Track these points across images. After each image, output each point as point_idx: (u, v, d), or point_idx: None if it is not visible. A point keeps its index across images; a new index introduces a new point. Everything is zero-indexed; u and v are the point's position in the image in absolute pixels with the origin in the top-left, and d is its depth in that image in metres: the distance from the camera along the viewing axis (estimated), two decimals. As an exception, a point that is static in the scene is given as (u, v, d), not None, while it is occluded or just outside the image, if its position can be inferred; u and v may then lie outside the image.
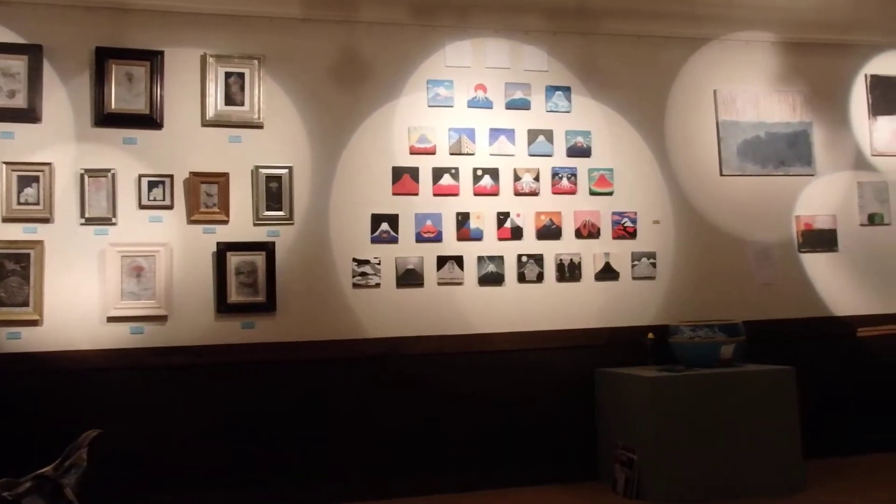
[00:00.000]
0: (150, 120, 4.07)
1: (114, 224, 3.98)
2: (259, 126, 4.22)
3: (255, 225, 4.17)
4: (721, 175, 4.77)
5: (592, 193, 4.59)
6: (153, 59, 4.09)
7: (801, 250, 4.82)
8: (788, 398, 4.05)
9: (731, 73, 4.85)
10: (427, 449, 4.24)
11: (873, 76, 5.01)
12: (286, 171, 4.22)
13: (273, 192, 4.21)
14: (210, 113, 4.15)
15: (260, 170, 4.19)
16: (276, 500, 4.02)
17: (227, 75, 4.19)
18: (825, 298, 4.84)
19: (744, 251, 4.75)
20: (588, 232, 4.56)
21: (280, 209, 4.21)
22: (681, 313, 4.58)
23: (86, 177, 3.97)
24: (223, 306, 4.07)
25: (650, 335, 4.39)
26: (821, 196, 4.89)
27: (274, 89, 4.25)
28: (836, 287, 4.86)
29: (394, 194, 4.35)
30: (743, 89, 4.83)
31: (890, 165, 5.01)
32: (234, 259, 4.11)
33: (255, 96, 4.22)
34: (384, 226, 4.32)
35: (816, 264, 4.84)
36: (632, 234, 4.61)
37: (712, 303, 4.65)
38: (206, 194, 4.11)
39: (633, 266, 4.59)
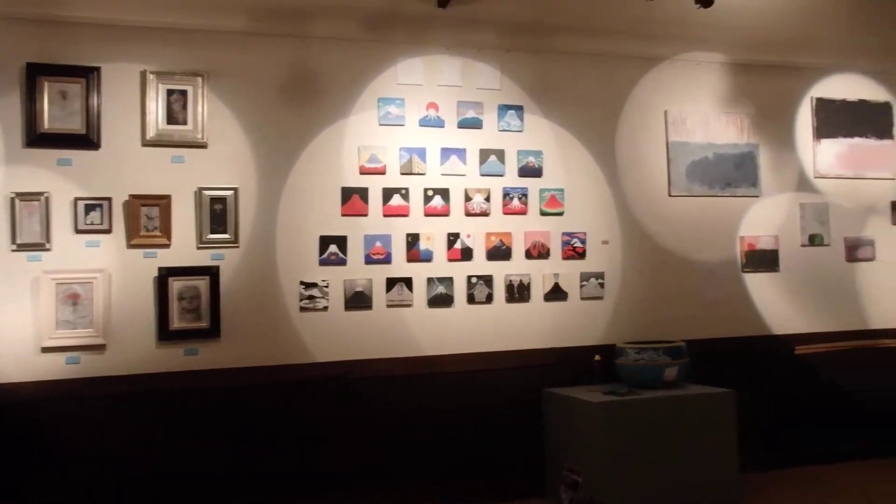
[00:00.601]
0: (86, 140, 3.89)
1: (48, 250, 3.81)
2: (203, 146, 4.07)
3: (198, 248, 4.05)
4: (670, 196, 4.82)
5: (543, 214, 4.58)
6: (89, 76, 3.90)
7: (744, 270, 4.92)
8: (728, 420, 4.16)
9: (681, 93, 4.87)
10: (375, 471, 4.23)
11: (818, 99, 5.10)
12: (231, 192, 4.10)
13: (217, 215, 4.09)
14: (151, 132, 3.99)
15: (204, 191, 4.06)
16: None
17: (169, 92, 4.02)
18: (766, 317, 4.95)
19: (689, 271, 4.81)
20: (538, 252, 4.56)
21: (225, 232, 4.09)
22: (628, 333, 4.64)
23: (17, 200, 3.78)
24: (165, 333, 3.96)
25: (597, 357, 4.43)
26: (765, 217, 4.98)
27: (218, 107, 4.10)
28: (777, 306, 4.98)
29: (343, 215, 4.27)
30: (693, 110, 4.86)
31: (831, 187, 5.12)
32: (176, 284, 3.99)
33: (198, 114, 4.06)
34: (333, 248, 4.25)
35: (759, 284, 4.95)
36: (581, 255, 4.63)
37: (658, 322, 4.72)
38: (146, 217, 3.96)
39: (581, 286, 4.62)
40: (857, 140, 5.16)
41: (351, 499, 4.17)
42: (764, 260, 4.94)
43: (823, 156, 5.08)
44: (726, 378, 4.59)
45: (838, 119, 5.11)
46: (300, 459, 4.12)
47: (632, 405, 4.01)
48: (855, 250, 5.12)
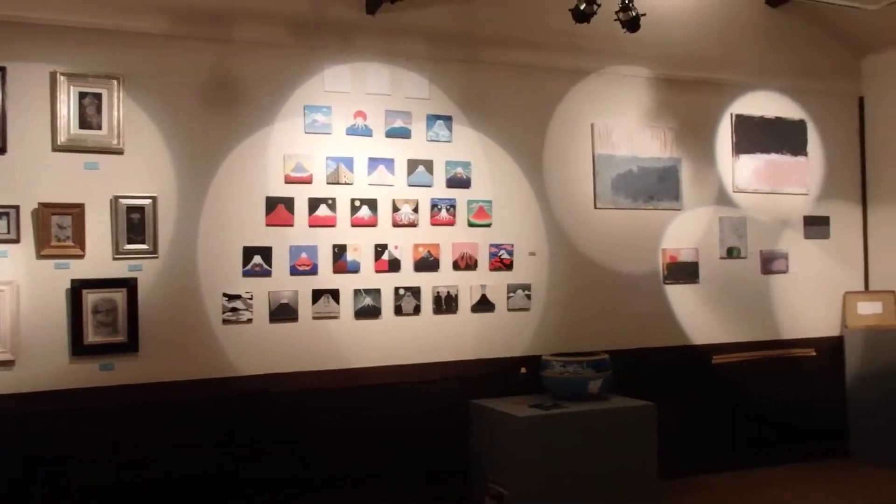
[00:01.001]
0: (-9, 144, 3.68)
1: (-51, 262, 3.60)
2: (119, 152, 3.90)
3: (114, 259, 3.88)
4: (595, 208, 4.88)
5: (471, 225, 4.58)
6: (-5, 76, 3.68)
7: (665, 282, 5.04)
8: (649, 432, 4.25)
9: (608, 106, 4.94)
10: (299, 485, 4.16)
11: (738, 115, 5.25)
12: (149, 200, 3.95)
13: (135, 224, 3.93)
14: (62, 137, 3.80)
15: (120, 199, 3.89)
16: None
17: (82, 95, 3.84)
18: (686, 328, 5.09)
19: (613, 282, 4.89)
20: (466, 264, 4.56)
21: (143, 242, 3.94)
22: (554, 343, 4.69)
23: (-85, 209, 3.55)
24: (79, 348, 3.79)
25: (523, 370, 4.48)
26: (686, 230, 5.11)
27: (135, 112, 3.94)
28: (696, 317, 5.12)
29: (267, 225, 4.17)
30: (618, 123, 4.94)
31: (748, 202, 5.29)
32: (90, 297, 3.82)
33: (113, 119, 3.89)
34: (257, 259, 4.14)
35: (679, 295, 5.08)
36: (508, 266, 4.65)
37: (584, 333, 4.79)
38: (58, 226, 3.78)
39: (508, 298, 4.65)
40: (773, 156, 5.34)
41: (274, 515, 4.11)
42: (685, 272, 5.07)
43: (742, 171, 5.24)
44: (648, 387, 4.73)
45: (756, 135, 5.28)
46: (222, 474, 4.02)
47: (555, 419, 4.05)
48: (770, 263, 5.31)
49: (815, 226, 5.44)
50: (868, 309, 5.38)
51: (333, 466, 4.24)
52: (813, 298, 5.45)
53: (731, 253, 5.22)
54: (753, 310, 5.28)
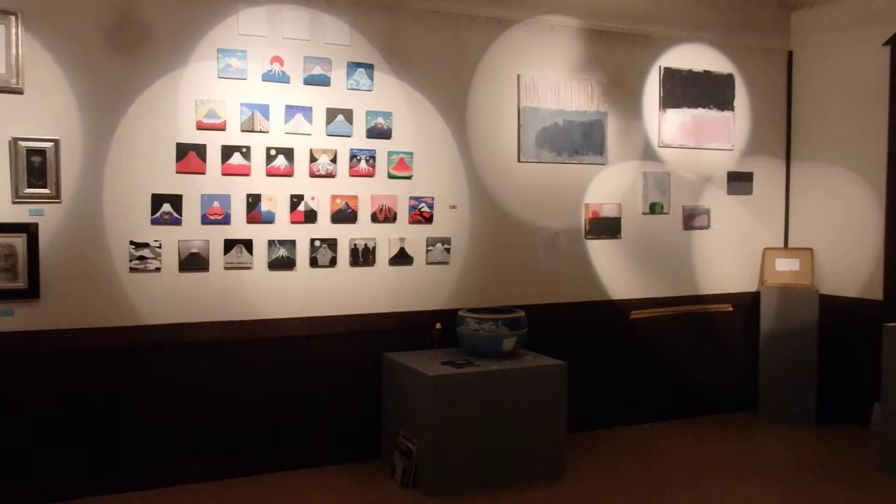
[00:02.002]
0: None
1: None
2: (18, 91, 3.74)
3: (14, 203, 3.76)
4: (519, 161, 4.85)
5: (391, 177, 4.52)
6: None
7: (587, 237, 5.06)
8: (560, 390, 4.29)
9: (534, 58, 4.86)
10: (204, 438, 4.17)
11: (666, 69, 5.22)
12: (51, 144, 3.81)
13: (36, 168, 3.80)
14: (-46, 75, 3.63)
15: (19, 142, 3.75)
16: (25, 496, 3.82)
17: (-24, 32, 3.66)
18: (605, 283, 5.14)
19: (535, 237, 4.90)
20: (384, 216, 4.52)
21: (44, 186, 3.82)
22: (473, 297, 4.71)
23: None
24: (-25, 294, 3.70)
25: (438, 325, 4.48)
26: (609, 185, 5.11)
27: (36, 50, 3.77)
28: (616, 273, 5.17)
29: (178, 173, 4.06)
30: (545, 76, 4.88)
31: (673, 157, 5.30)
32: (-13, 242, 3.72)
33: (12, 57, 3.72)
34: (166, 207, 4.05)
35: (600, 251, 5.11)
36: (428, 220, 4.62)
37: (503, 287, 4.82)
38: (-49, 170, 3.64)
39: (427, 251, 4.63)
40: (700, 111, 5.34)
41: (186, 468, 4.11)
42: (607, 227, 5.10)
43: (668, 126, 5.24)
44: (565, 343, 4.82)
45: (683, 89, 5.27)
46: (125, 426, 4.01)
47: (465, 378, 4.06)
48: (692, 219, 5.36)
49: (739, 181, 5.50)
50: (786, 266, 5.48)
51: (243, 421, 4.24)
52: (733, 255, 5.54)
53: (654, 209, 5.25)
54: (673, 266, 5.35)
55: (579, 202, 5.03)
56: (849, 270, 5.25)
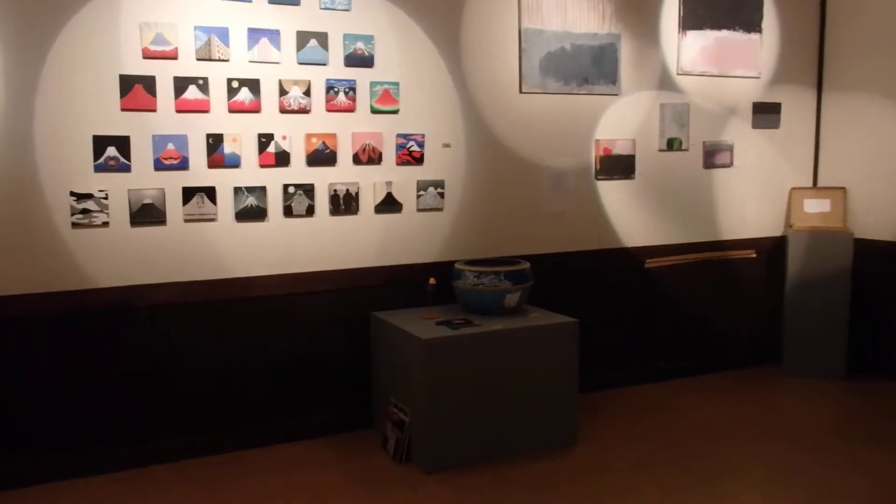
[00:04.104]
0: None
1: None
2: (-78, 14, 3.12)
3: (-74, 150, 3.18)
4: (521, 92, 4.26)
5: (374, 112, 3.93)
6: None
7: (597, 177, 4.50)
8: (570, 351, 3.79)
9: (537, -28, 4.22)
10: (171, 412, 3.68)
11: (687, -17, 4.59)
12: (-33, 77, 3.20)
13: (-50, 106, 3.20)
14: None
15: (-73, 75, 3.15)
16: (-22, 490, 3.34)
17: None
18: (618, 229, 4.61)
19: (539, 178, 4.35)
20: (368, 157, 3.94)
21: (-38, 128, 3.23)
22: (470, 247, 4.19)
23: None
24: None
25: (432, 281, 3.95)
26: (622, 118, 4.53)
27: (-61, -37, 3.13)
28: (630, 217, 4.63)
29: (123, 110, 3.46)
30: (550, -8, 4.25)
31: (693, 86, 4.71)
32: None
33: (-90, -29, 3.08)
34: (111, 150, 3.46)
35: (612, 193, 4.56)
36: (418, 160, 4.05)
37: (503, 235, 4.29)
38: None
39: (418, 196, 4.07)
40: (724, 33, 4.72)
41: (159, 442, 3.62)
42: (619, 166, 4.54)
43: (688, 50, 4.63)
44: (574, 295, 4.36)
45: (706, 8, 4.64)
46: (75, 406, 3.49)
47: (463, 340, 3.54)
48: (713, 156, 4.81)
49: (765, 114, 4.92)
50: (815, 207, 4.95)
51: (211, 394, 3.74)
52: (757, 195, 5.00)
53: (672, 145, 4.68)
54: (693, 208, 4.81)
55: (589, 138, 4.46)
56: (885, 211, 4.72)
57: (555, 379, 3.76)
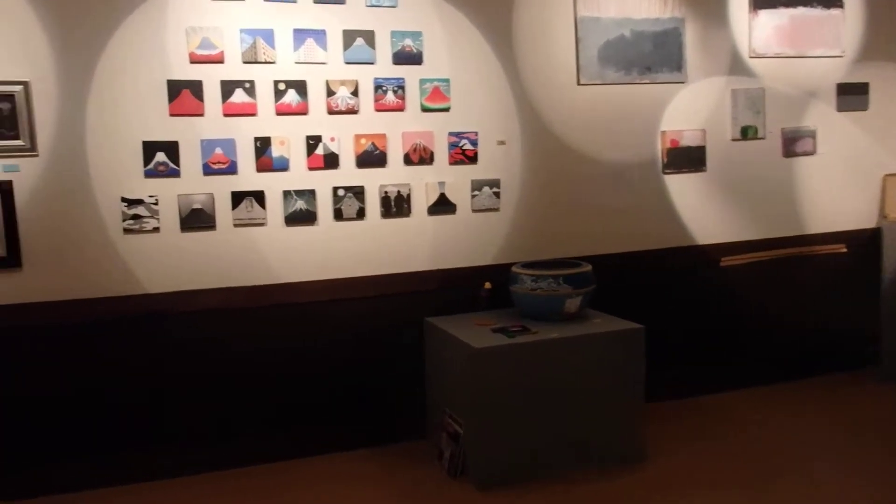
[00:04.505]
0: None
1: None
2: (-24, 27, 3.20)
3: (-17, 159, 3.25)
4: (578, 84, 4.05)
5: (425, 110, 3.81)
6: None
7: (664, 171, 4.24)
8: (636, 361, 3.53)
9: (593, -43, 4.02)
10: (216, 420, 3.63)
11: (758, -40, 4.29)
12: (20, 87, 3.26)
13: (5, 116, 3.26)
14: None
15: (-17, 87, 3.22)
16: (15, 489, 3.36)
17: (-80, -42, 3.11)
18: (689, 226, 4.32)
19: (601, 174, 4.12)
20: (419, 157, 3.82)
21: (17, 137, 3.28)
22: (528, 249, 4.00)
23: None
24: (-54, 266, 3.21)
25: (487, 285, 3.79)
26: (690, 107, 4.26)
27: (-6, -22, 3.20)
28: (702, 212, 4.34)
29: (171, 115, 3.46)
30: (607, -22, 4.04)
31: (768, 69, 4.39)
32: (-45, 206, 3.22)
33: (-34, -13, 3.17)
34: (160, 156, 3.46)
35: (681, 187, 4.28)
36: (472, 159, 3.90)
37: (563, 235, 4.08)
38: None
39: (473, 196, 3.92)
40: (800, 10, 4.39)
41: (200, 452, 3.58)
42: (688, 158, 4.26)
43: (761, 31, 4.32)
44: (641, 298, 4.10)
45: (780, -15, 4.33)
46: (126, 410, 3.49)
47: (519, 349, 3.34)
48: (793, 143, 4.46)
49: (851, 95, 4.53)
50: (913, 196, 4.53)
51: (260, 400, 3.67)
52: (846, 185, 4.61)
53: (746, 133, 4.37)
54: (772, 201, 4.46)
55: (654, 130, 4.21)
56: None
57: (620, 389, 3.51)
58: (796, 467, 3.43)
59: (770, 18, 4.33)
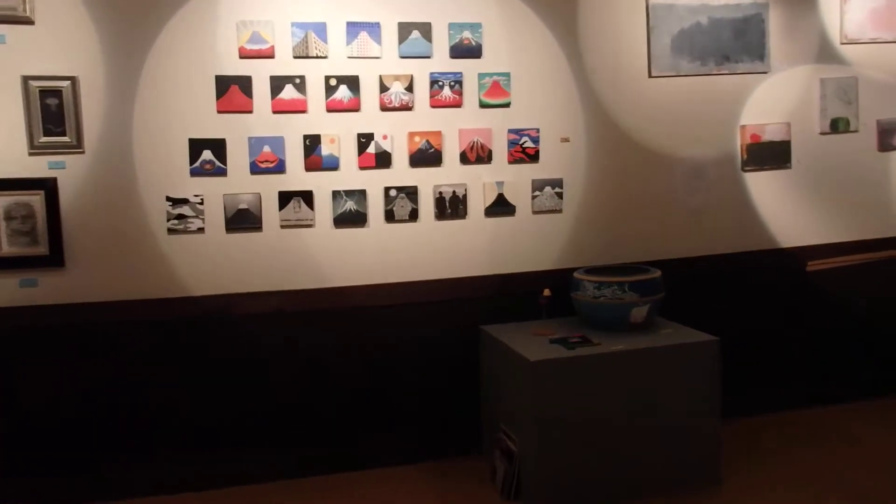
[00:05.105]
0: None
1: None
2: (27, 21, 3.14)
3: (30, 155, 3.18)
4: (650, 77, 3.77)
5: (483, 106, 3.59)
6: None
7: (744, 169, 3.90)
8: (711, 376, 3.22)
9: (666, -61, 3.73)
10: (260, 430, 3.48)
11: (851, -64, 3.91)
12: (68, 82, 3.19)
13: (52, 112, 3.20)
14: (-50, 5, 3.07)
15: (31, 81, 3.15)
16: (62, 495, 3.27)
17: (-28, -48, 3.07)
18: (771, 227, 3.97)
19: (673, 172, 3.82)
20: (476, 156, 3.60)
21: (63, 134, 3.21)
22: (592, 253, 3.74)
23: None
24: (-7, 263, 3.17)
25: (546, 292, 3.53)
26: (774, 99, 3.91)
27: (44, -29, 3.15)
28: (786, 213, 3.98)
29: (219, 112, 3.34)
30: (681, -39, 3.74)
31: (861, 55, 4.00)
32: (1, 200, 3.16)
33: (17, -19, 3.12)
34: (207, 154, 3.35)
35: (763, 185, 3.94)
36: (533, 157, 3.66)
37: (631, 238, 3.80)
38: (-47, 119, 3.10)
39: (533, 197, 3.67)
40: (900, -7, 4.00)
41: (243, 461, 3.44)
42: (771, 154, 3.91)
43: (854, 14, 3.94)
44: (715, 306, 3.78)
45: (876, -35, 3.94)
46: (168, 414, 3.38)
47: (579, 363, 3.08)
48: (890, 136, 4.06)
49: (957, 86, 4.10)
50: None
51: (303, 411, 3.51)
52: (953, 183, 4.18)
53: (837, 126, 3.99)
54: (865, 199, 4.08)
55: (733, 124, 3.88)
56: None
57: (692, 406, 3.20)
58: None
59: (865, 1, 3.94)
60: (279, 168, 3.41)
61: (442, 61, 3.54)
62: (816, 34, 3.94)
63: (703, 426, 3.23)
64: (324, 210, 3.47)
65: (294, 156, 3.42)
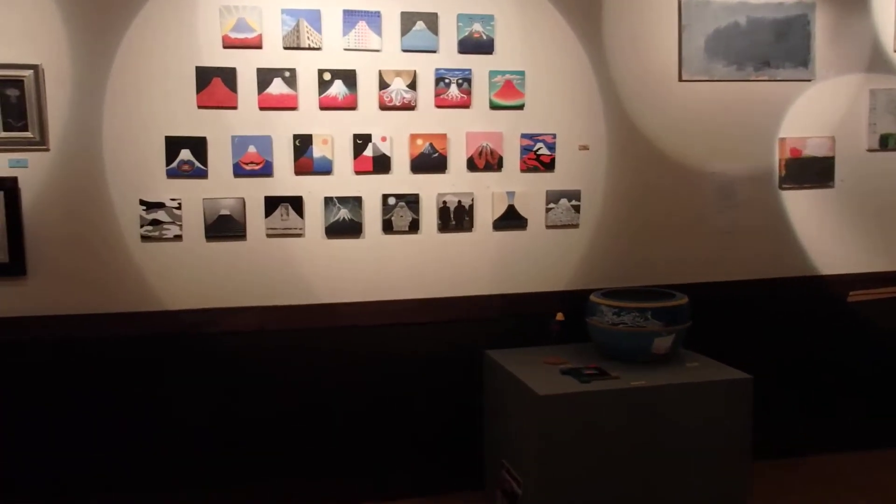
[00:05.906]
0: None
1: None
2: (-16, 4, 2.83)
3: (-14, 152, 2.88)
4: (680, 80, 3.41)
5: (494, 107, 3.24)
6: None
7: (782, 186, 3.54)
8: (742, 417, 2.85)
9: (703, -72, 3.37)
10: (240, 459, 3.16)
11: (908, -66, 3.53)
12: (30, 72, 2.88)
13: (12, 104, 2.89)
14: None
15: (-11, 70, 2.85)
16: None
17: (-78, -77, 2.75)
18: (810, 252, 3.60)
19: (703, 187, 3.46)
20: (485, 162, 3.25)
21: (25, 128, 2.91)
22: (610, 273, 3.39)
23: None
24: (-59, 272, 2.85)
25: (559, 316, 3.19)
26: (817, 110, 3.55)
27: (3, -53, 2.82)
28: (826, 236, 3.62)
29: (200, 107, 3.02)
30: (719, -47, 3.38)
31: (918, 67, 3.63)
32: (-47, 203, 2.86)
33: (-27, -43, 2.80)
34: (185, 154, 3.02)
35: (802, 205, 3.58)
36: (548, 166, 3.31)
37: (653, 260, 3.45)
38: None
39: (547, 210, 3.32)
40: (961, -2, 3.61)
41: (217, 496, 3.12)
42: (812, 171, 3.55)
43: (910, 20, 3.57)
44: (747, 337, 3.41)
45: (936, -35, 3.56)
46: (139, 442, 3.06)
47: (593, 399, 2.72)
48: (945, 158, 3.68)
49: None
50: None
51: (288, 438, 3.18)
52: None
53: (887, 143, 3.63)
54: (916, 225, 3.72)
55: (770, 136, 3.52)
56: None
57: (720, 451, 2.84)
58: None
59: (923, 3, 3.57)
60: (266, 171, 3.08)
61: (449, 56, 3.20)
62: (867, 40, 3.57)
63: (732, 473, 2.86)
64: (314, 218, 3.13)
65: (282, 157, 3.09)
